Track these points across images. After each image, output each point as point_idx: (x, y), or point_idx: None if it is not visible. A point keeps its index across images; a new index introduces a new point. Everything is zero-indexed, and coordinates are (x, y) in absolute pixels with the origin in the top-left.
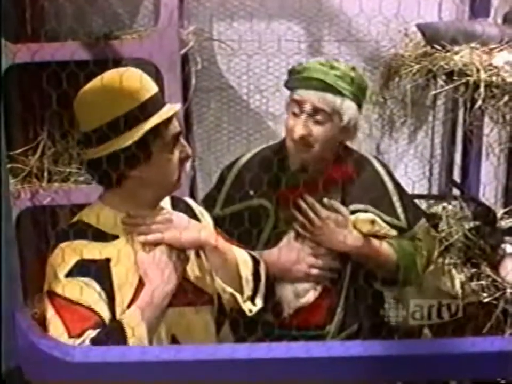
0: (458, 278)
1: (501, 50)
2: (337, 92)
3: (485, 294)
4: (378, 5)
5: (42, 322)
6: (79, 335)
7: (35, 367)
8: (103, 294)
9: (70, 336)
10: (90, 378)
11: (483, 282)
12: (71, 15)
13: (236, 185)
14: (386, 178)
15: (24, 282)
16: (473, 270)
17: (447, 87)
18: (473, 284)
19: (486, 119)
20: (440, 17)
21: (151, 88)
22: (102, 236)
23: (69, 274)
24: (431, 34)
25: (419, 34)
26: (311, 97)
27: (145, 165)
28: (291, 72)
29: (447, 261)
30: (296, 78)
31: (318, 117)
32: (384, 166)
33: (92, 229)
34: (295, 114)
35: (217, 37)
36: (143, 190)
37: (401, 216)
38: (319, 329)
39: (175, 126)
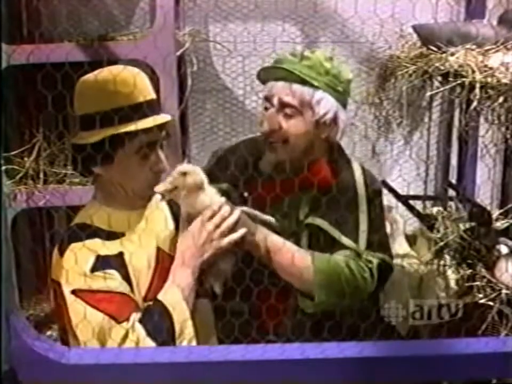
0: (454, 278)
1: (496, 51)
2: (306, 82)
3: (480, 295)
4: (373, 6)
5: (38, 324)
6: (127, 319)
7: (29, 369)
8: (126, 285)
9: (119, 322)
10: (85, 380)
11: (478, 283)
12: (66, 16)
13: (214, 168)
14: (363, 198)
15: (20, 284)
16: (469, 271)
17: (442, 88)
18: (468, 285)
19: (482, 120)
20: (436, 18)
21: (135, 96)
22: (104, 235)
23: (93, 269)
24: (426, 36)
25: (415, 36)
26: (278, 89)
27: (107, 165)
28: (262, 66)
29: (442, 262)
30: (266, 70)
31: (287, 111)
32: (370, 185)
33: (94, 229)
34: (266, 109)
35: (213, 38)
36: (115, 189)
37: (362, 240)
38: None
39: (152, 137)
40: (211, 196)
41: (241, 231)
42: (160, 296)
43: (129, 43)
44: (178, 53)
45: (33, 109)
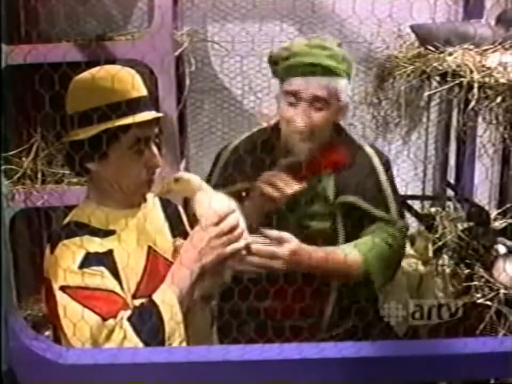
0: (452, 278)
1: (494, 51)
2: (332, 73)
3: (478, 295)
4: (371, 6)
5: (36, 325)
6: (114, 317)
7: (27, 369)
8: (115, 282)
9: (105, 319)
10: (83, 380)
11: (476, 283)
12: (64, 16)
13: (224, 170)
14: (381, 170)
15: (18, 284)
16: (467, 271)
17: (440, 88)
18: (466, 285)
19: (480, 120)
20: (433, 18)
21: (130, 92)
22: (97, 233)
23: (82, 266)
24: (424, 36)
25: (412, 36)
26: (307, 84)
27: (102, 161)
28: (276, 60)
29: (440, 262)
30: (286, 66)
31: (318, 104)
32: (381, 156)
33: (86, 227)
34: (291, 104)
35: (211, 38)
36: (110, 187)
37: (393, 209)
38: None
39: (146, 132)
40: (212, 199)
41: (243, 241)
42: (154, 296)
43: (127, 43)
44: (176, 53)
45: (31, 109)
